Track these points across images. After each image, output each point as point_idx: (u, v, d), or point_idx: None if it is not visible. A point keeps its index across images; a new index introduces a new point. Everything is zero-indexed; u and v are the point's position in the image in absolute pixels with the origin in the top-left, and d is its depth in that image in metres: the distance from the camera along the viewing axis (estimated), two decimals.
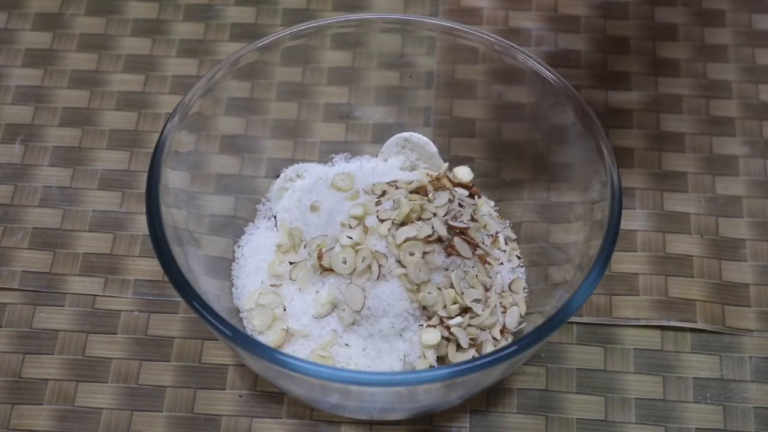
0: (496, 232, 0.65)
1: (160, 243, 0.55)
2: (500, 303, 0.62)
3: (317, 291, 0.61)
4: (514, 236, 0.67)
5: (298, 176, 0.69)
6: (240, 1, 0.80)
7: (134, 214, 0.70)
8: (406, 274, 0.59)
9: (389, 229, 0.60)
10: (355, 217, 0.62)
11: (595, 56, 0.78)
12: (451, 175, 0.67)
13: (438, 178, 0.66)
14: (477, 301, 0.60)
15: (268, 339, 0.60)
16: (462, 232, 0.62)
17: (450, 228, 0.61)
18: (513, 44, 0.63)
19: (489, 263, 0.62)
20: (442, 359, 0.60)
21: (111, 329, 0.65)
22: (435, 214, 0.62)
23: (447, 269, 0.60)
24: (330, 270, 0.60)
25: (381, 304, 0.59)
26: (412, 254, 0.59)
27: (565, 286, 0.58)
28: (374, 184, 0.64)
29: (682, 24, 0.79)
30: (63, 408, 0.62)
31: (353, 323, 0.59)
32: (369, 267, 0.59)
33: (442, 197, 0.63)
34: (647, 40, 0.79)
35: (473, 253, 0.62)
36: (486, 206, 0.67)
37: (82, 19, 0.79)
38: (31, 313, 0.65)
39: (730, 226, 0.70)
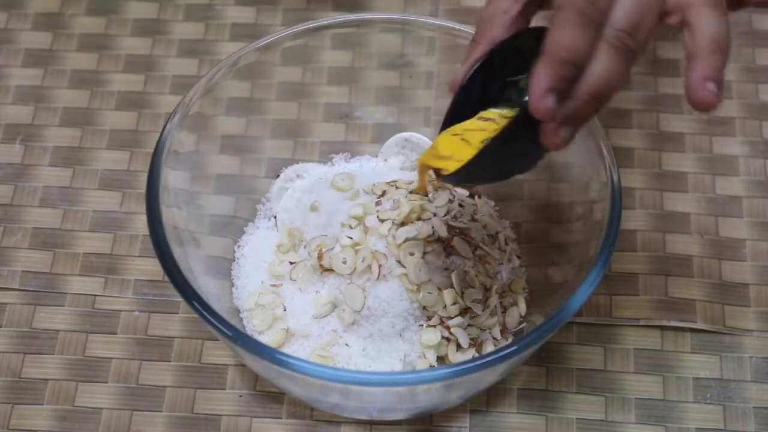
0: (496, 232, 0.65)
1: (160, 243, 0.55)
2: (500, 303, 0.62)
3: (317, 291, 0.61)
4: (514, 236, 0.67)
5: (298, 176, 0.69)
6: (240, 1, 0.80)
7: (134, 214, 0.69)
8: (406, 274, 0.59)
9: (389, 229, 0.60)
10: (355, 217, 0.62)
11: None
12: None
13: None
14: (477, 301, 0.60)
15: (268, 339, 0.60)
16: (462, 232, 0.62)
17: (450, 228, 0.61)
18: None
19: (489, 263, 0.62)
20: (442, 359, 0.60)
21: (111, 329, 0.65)
22: (435, 214, 0.62)
23: (447, 269, 0.60)
24: (330, 270, 0.60)
25: (381, 304, 0.59)
26: (412, 254, 0.59)
27: (565, 286, 0.58)
28: (374, 184, 0.64)
29: None
30: (63, 408, 0.62)
31: (353, 323, 0.59)
32: (369, 267, 0.59)
33: (442, 197, 0.63)
34: None
35: (473, 253, 0.62)
36: (486, 206, 0.67)
37: (82, 19, 0.79)
38: (31, 313, 0.65)
39: (730, 226, 0.69)
